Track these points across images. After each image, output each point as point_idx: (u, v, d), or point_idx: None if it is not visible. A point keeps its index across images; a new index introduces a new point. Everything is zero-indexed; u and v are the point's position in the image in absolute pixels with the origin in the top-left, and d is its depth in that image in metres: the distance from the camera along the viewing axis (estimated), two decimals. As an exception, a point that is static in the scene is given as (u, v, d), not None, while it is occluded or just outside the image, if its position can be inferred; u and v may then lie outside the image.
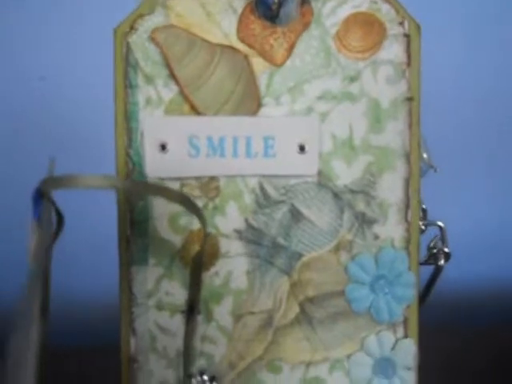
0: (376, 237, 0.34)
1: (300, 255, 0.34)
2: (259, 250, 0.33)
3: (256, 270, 0.34)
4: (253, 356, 0.34)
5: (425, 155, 0.35)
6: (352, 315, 0.34)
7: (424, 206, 0.37)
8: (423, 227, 0.36)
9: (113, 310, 0.35)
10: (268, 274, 0.34)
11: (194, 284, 0.33)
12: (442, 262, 0.37)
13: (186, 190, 0.33)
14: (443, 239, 0.37)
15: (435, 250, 0.37)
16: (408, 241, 0.34)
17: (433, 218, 0.36)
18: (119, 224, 0.33)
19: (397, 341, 0.34)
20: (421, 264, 0.38)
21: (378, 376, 0.34)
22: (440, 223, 0.37)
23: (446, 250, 0.37)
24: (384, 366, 0.34)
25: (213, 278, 0.34)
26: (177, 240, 0.33)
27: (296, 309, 0.34)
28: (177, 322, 0.34)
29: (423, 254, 0.38)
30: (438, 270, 0.37)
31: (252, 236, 0.33)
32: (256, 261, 0.34)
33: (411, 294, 0.34)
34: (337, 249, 0.34)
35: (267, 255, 0.34)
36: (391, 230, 0.34)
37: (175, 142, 0.32)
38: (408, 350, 0.34)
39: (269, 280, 0.34)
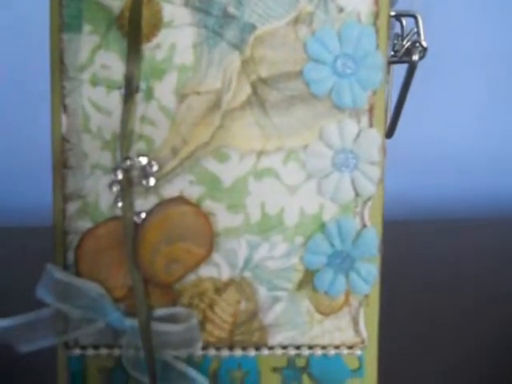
0: (340, 9, 0.30)
1: (253, 27, 0.30)
2: (207, 20, 0.30)
3: (203, 43, 0.30)
4: (198, 141, 0.30)
5: None
6: (310, 99, 0.30)
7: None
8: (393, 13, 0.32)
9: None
10: (217, 49, 0.30)
11: (133, 56, 0.29)
12: (416, 57, 0.33)
13: None
14: (418, 32, 0.33)
15: (409, 44, 0.33)
16: (376, 15, 0.30)
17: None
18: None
19: (360, 131, 0.31)
20: (394, 63, 0.34)
21: (337, 169, 0.31)
22: (415, 13, 0.33)
23: (424, 43, 0.33)
24: (345, 158, 0.31)
25: (154, 50, 0.30)
26: (115, 4, 0.29)
27: (247, 90, 0.30)
28: (113, 100, 0.30)
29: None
30: (412, 68, 0.33)
31: (200, 3, 0.29)
32: (203, 32, 0.30)
33: (378, 77, 0.30)
34: (295, 22, 0.30)
35: (216, 26, 0.30)
36: (357, 1, 0.30)
37: None
38: (372, 142, 0.31)
39: (218, 55, 0.30)
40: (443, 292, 0.45)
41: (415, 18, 0.33)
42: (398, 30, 0.36)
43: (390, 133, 0.35)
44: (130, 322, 0.30)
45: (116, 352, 0.31)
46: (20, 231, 0.53)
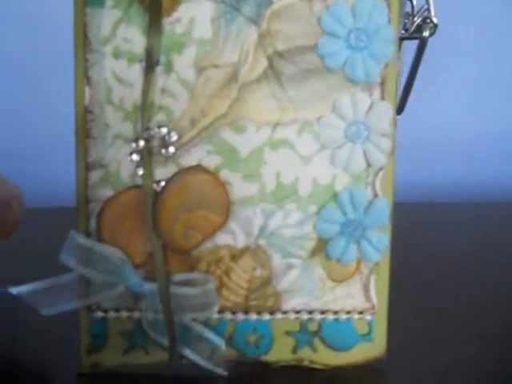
0: (354, -15, 0.31)
1: (270, 2, 0.31)
2: (225, -5, 0.31)
3: (221, 18, 0.31)
4: (216, 113, 0.31)
5: None
6: (325, 72, 0.31)
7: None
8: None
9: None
10: (234, 23, 0.31)
11: (154, 30, 0.31)
12: (426, 33, 0.34)
13: None
14: (429, 8, 0.34)
15: (420, 20, 0.34)
16: (389, -10, 0.31)
17: None
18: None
19: (372, 103, 0.32)
20: (405, 39, 0.35)
21: (350, 140, 0.32)
22: (426, -9, 0.34)
23: (434, 19, 0.34)
24: (357, 129, 0.32)
25: (174, 24, 0.31)
26: (136, -20, 0.31)
27: (264, 63, 0.31)
28: (135, 72, 0.31)
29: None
30: (423, 44, 0.34)
31: (218, -22, 0.31)
32: (221, 7, 0.31)
33: (390, 50, 0.31)
34: (310, -3, 0.31)
35: (234, 1, 0.31)
36: (371, -23, 0.31)
37: None
38: (384, 114, 0.32)
39: (235, 29, 0.31)
40: (451, 282, 0.45)
41: (426, -5, 0.34)
42: (409, 9, 0.37)
43: (400, 109, 0.36)
44: (150, 287, 0.31)
45: (136, 315, 0.33)
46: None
